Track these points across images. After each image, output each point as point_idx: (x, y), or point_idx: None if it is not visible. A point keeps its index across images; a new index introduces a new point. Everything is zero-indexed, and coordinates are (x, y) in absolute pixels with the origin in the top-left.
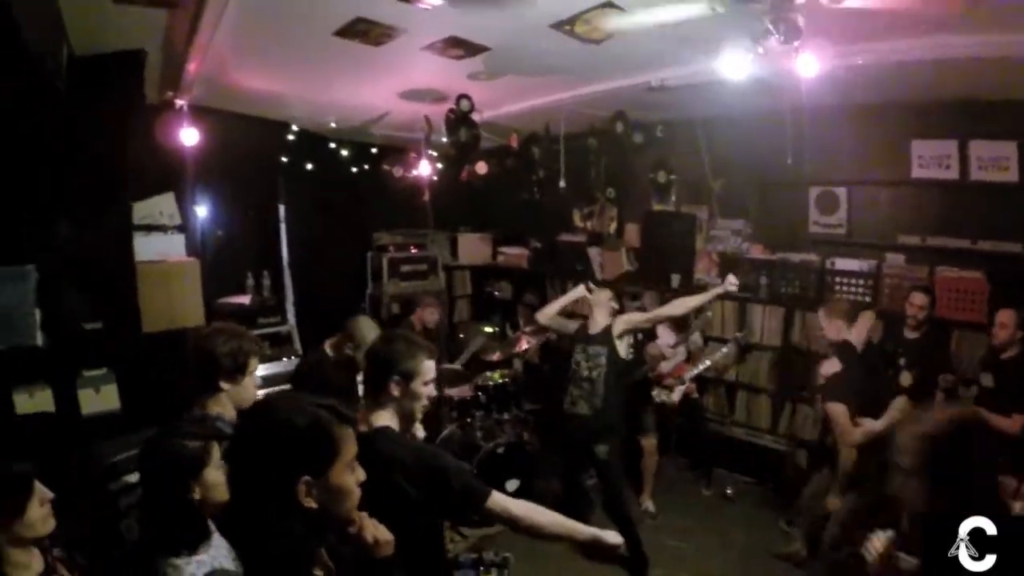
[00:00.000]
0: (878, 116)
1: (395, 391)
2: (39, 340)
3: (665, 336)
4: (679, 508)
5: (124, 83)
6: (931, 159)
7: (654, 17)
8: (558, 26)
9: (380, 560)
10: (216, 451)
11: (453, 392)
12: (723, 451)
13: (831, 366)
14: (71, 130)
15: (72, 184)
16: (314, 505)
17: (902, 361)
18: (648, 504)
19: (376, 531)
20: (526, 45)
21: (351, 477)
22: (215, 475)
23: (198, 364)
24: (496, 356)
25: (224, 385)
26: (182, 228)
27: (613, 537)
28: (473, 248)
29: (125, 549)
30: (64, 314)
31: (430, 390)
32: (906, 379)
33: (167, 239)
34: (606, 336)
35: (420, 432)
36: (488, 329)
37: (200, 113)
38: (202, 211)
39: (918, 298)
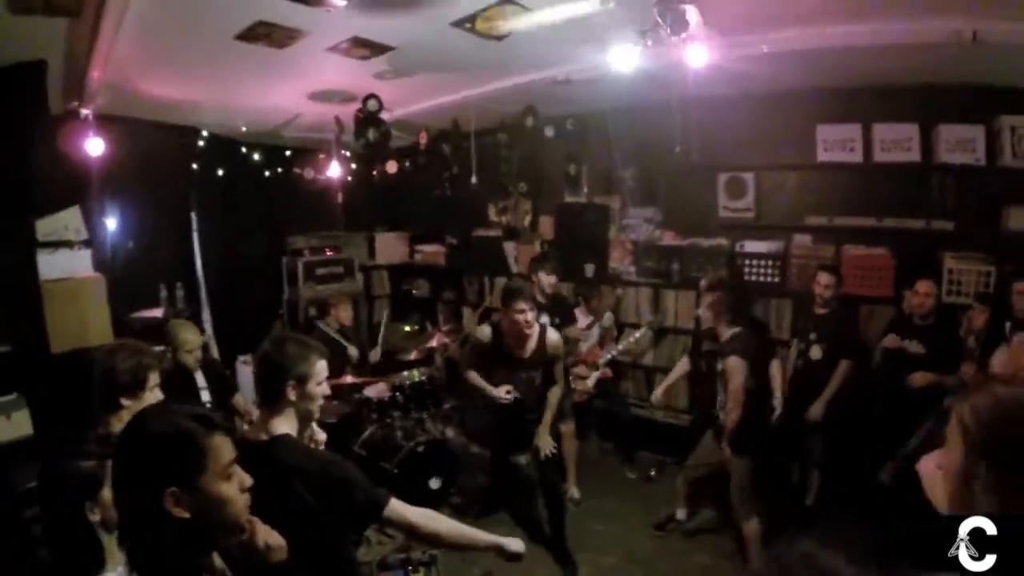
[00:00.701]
0: (783, 103)
1: (292, 395)
2: None
3: (579, 319)
4: (604, 492)
5: (25, 95)
6: (836, 143)
7: (548, 16)
8: (459, 24)
9: (278, 566)
10: None
11: (371, 393)
12: (645, 433)
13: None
14: None
15: None
16: (186, 515)
17: (812, 335)
18: (573, 490)
19: (268, 536)
20: (429, 44)
21: (228, 485)
22: (111, 496)
23: (99, 382)
24: (413, 355)
25: (125, 402)
26: (88, 243)
27: (515, 544)
28: (390, 247)
29: None
30: None
31: (324, 389)
32: (815, 352)
33: (73, 256)
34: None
35: (320, 435)
36: (408, 328)
37: (106, 122)
38: (111, 224)
39: (824, 277)
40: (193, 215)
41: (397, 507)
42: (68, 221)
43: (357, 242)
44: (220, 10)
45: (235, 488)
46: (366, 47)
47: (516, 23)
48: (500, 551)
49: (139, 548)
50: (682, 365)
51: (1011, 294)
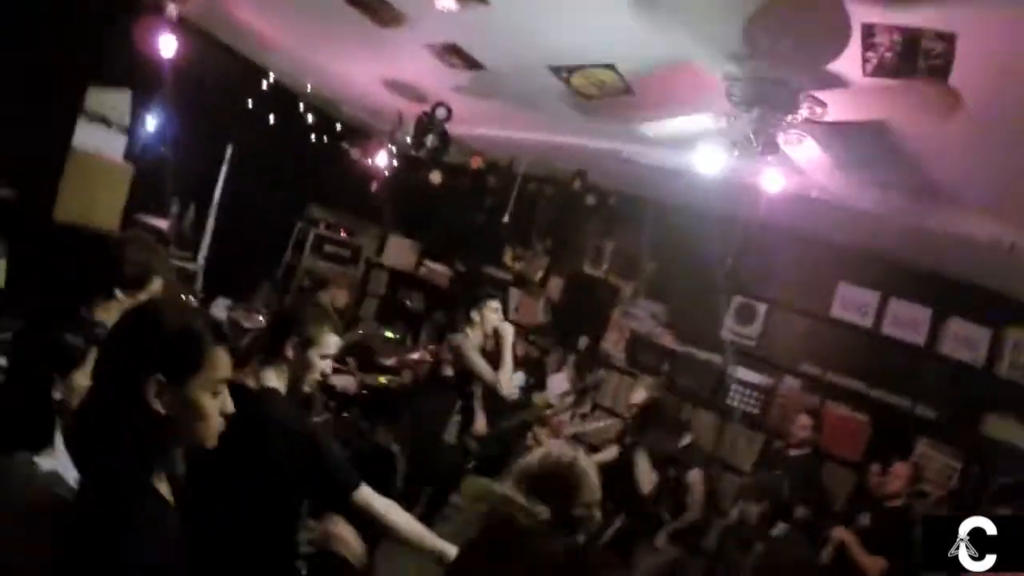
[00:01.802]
0: (816, 251)
1: (290, 353)
2: None
3: (557, 385)
4: None
5: None
6: (852, 303)
7: (670, 129)
8: (557, 70)
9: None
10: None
11: (338, 382)
12: None
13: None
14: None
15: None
16: (162, 411)
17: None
18: None
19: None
20: (520, 76)
21: (212, 400)
22: (82, 381)
23: (102, 265)
24: (391, 361)
25: (119, 294)
26: (127, 131)
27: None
28: (399, 252)
29: None
30: None
31: (325, 366)
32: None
33: (108, 136)
34: None
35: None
36: (389, 335)
37: (187, 27)
38: (152, 123)
39: (803, 419)
40: (229, 148)
41: (366, 493)
42: (116, 103)
43: (370, 235)
44: None
45: (217, 406)
46: (459, 56)
47: (644, 129)
48: (440, 559)
49: (98, 433)
50: None
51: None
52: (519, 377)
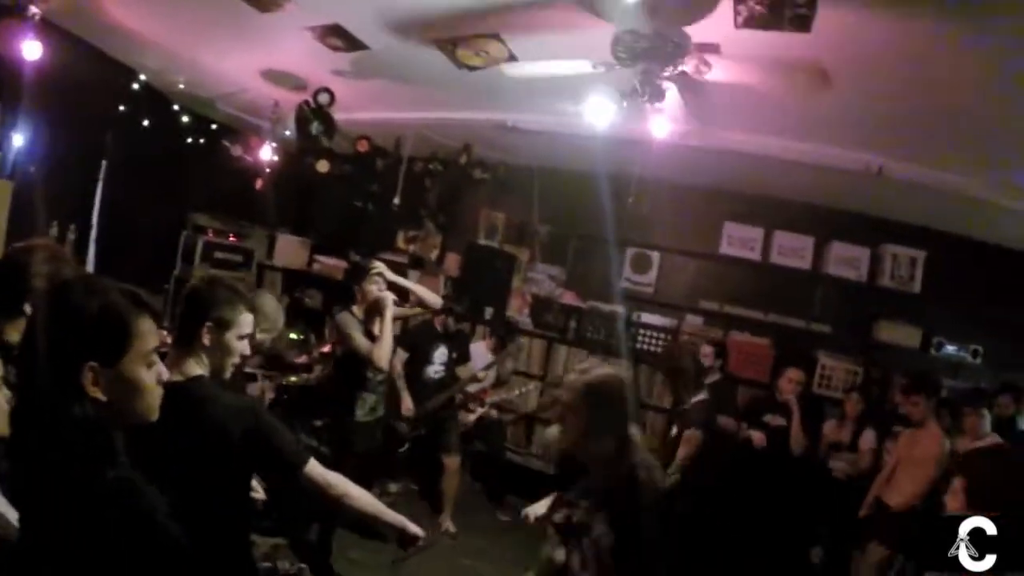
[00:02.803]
0: (699, 196)
1: (206, 339)
2: None
3: (479, 357)
4: (475, 529)
5: None
6: (739, 240)
7: (540, 69)
8: (442, 43)
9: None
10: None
11: (254, 392)
12: (519, 479)
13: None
14: None
15: None
16: (101, 396)
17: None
18: (448, 524)
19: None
20: (404, 54)
21: (147, 372)
22: (3, 403)
23: (5, 280)
24: (302, 358)
25: (29, 309)
26: None
27: (416, 529)
28: (290, 251)
29: None
30: None
31: (244, 347)
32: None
33: None
34: None
35: None
36: (293, 335)
37: (50, 29)
38: (18, 139)
39: (705, 348)
40: (104, 162)
41: (316, 466)
42: None
43: (258, 237)
44: None
45: (153, 377)
46: (343, 39)
47: (509, 70)
48: (402, 532)
49: (42, 441)
50: None
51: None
52: (441, 353)
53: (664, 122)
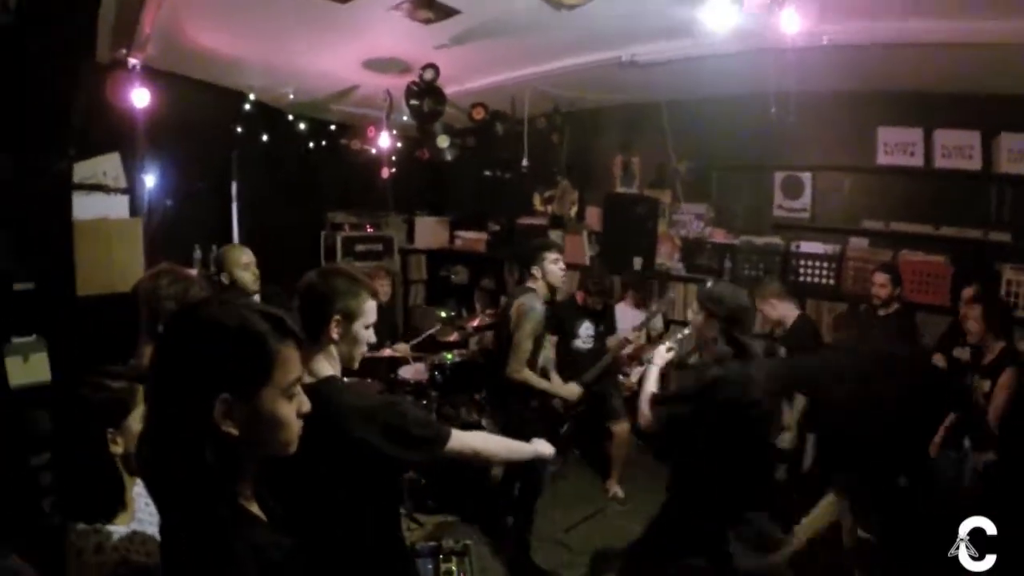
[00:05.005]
0: (845, 103)
1: (335, 333)
2: None
3: (626, 318)
4: (646, 494)
5: (76, 30)
6: (896, 146)
7: None
8: None
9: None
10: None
11: (407, 374)
12: None
13: None
14: (17, 74)
15: (11, 134)
16: (235, 432)
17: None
18: (616, 489)
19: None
20: (497, 7)
21: (288, 406)
22: (137, 426)
23: (141, 306)
24: (452, 337)
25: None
26: (127, 191)
27: (548, 448)
28: (430, 232)
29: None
30: None
31: (370, 335)
32: None
33: (109, 200)
34: None
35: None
36: (443, 314)
37: (154, 75)
38: (150, 179)
39: (880, 277)
40: (234, 183)
41: (459, 435)
42: (106, 167)
43: (396, 225)
44: None
45: (294, 411)
46: (430, 8)
47: None
48: (541, 458)
49: (167, 473)
50: None
51: None
52: (587, 327)
53: (793, 15)
